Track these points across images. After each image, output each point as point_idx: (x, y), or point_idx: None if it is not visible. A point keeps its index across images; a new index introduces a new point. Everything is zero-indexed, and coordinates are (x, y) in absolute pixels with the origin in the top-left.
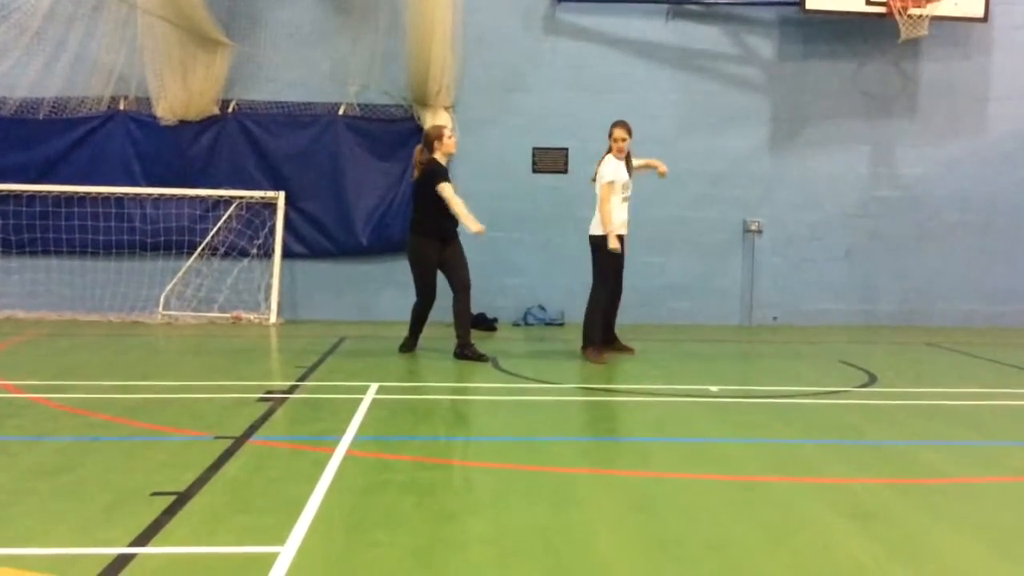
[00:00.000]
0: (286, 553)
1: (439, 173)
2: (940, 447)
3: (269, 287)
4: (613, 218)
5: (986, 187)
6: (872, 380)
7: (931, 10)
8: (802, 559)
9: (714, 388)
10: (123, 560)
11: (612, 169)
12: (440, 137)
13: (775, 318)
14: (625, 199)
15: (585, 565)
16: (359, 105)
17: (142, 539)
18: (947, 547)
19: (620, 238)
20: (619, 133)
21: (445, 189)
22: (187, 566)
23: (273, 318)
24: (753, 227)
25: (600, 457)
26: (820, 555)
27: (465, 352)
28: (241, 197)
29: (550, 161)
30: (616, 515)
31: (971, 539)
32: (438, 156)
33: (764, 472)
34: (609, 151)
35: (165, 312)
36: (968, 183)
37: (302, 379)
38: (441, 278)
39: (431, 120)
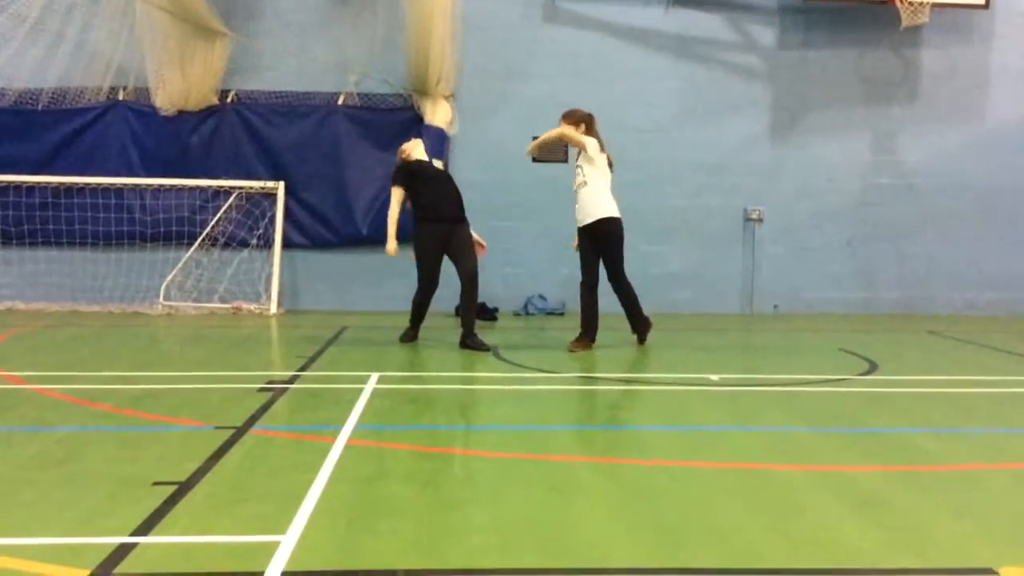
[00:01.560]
0: (287, 542)
1: (394, 176)
2: (941, 435)
3: (269, 277)
4: None
5: (987, 174)
6: (873, 368)
7: None
8: (802, 546)
9: (715, 377)
10: (125, 549)
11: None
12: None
13: (776, 307)
14: (576, 191)
15: (586, 552)
16: (358, 94)
17: (143, 528)
18: (948, 535)
19: (582, 231)
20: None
21: (393, 193)
22: (188, 555)
23: (273, 308)
24: (754, 216)
25: (601, 445)
26: (822, 542)
27: (467, 342)
28: (241, 187)
29: (549, 150)
30: (616, 503)
31: (972, 527)
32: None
33: (765, 460)
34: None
35: (165, 303)
36: (969, 170)
37: (303, 369)
38: (448, 269)
39: (431, 109)
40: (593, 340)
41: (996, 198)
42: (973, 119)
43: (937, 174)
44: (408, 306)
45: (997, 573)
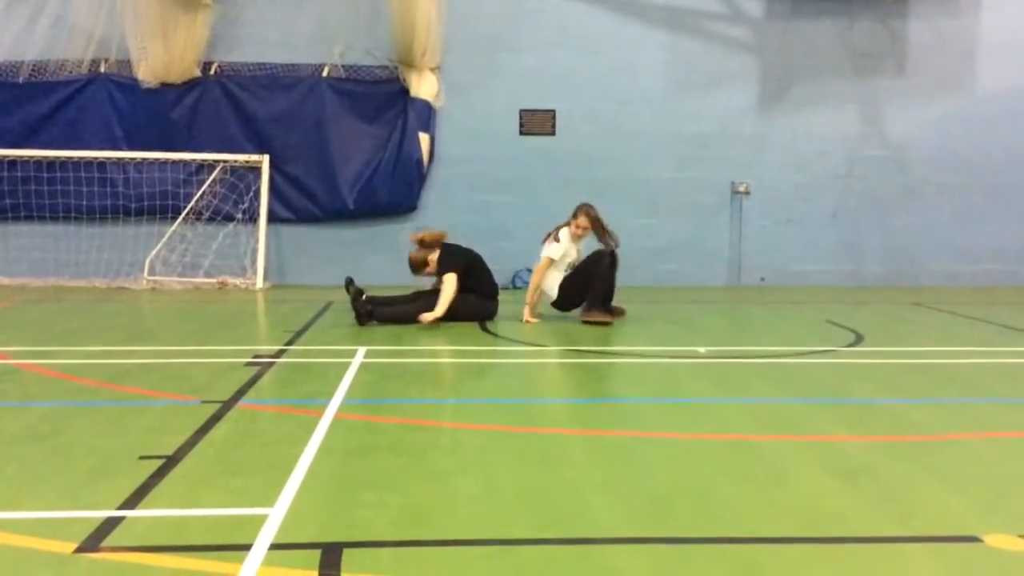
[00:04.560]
0: (275, 514)
1: (450, 261)
2: (926, 405)
3: (255, 251)
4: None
5: (973, 146)
6: (858, 339)
7: None
8: (789, 515)
9: (702, 349)
10: (112, 523)
11: (562, 248)
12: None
13: (763, 279)
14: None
15: (574, 523)
16: (343, 66)
17: (130, 502)
18: (933, 502)
19: None
20: (585, 222)
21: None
22: (176, 528)
23: (259, 283)
24: (741, 188)
25: (589, 418)
26: (807, 511)
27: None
28: (225, 161)
29: (537, 123)
30: (604, 474)
31: (957, 495)
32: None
33: (752, 431)
34: (566, 225)
35: (150, 277)
36: (955, 142)
37: (290, 343)
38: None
39: (417, 82)
40: (610, 312)
41: (982, 170)
42: (961, 91)
43: (924, 146)
44: (395, 279)
45: (982, 540)
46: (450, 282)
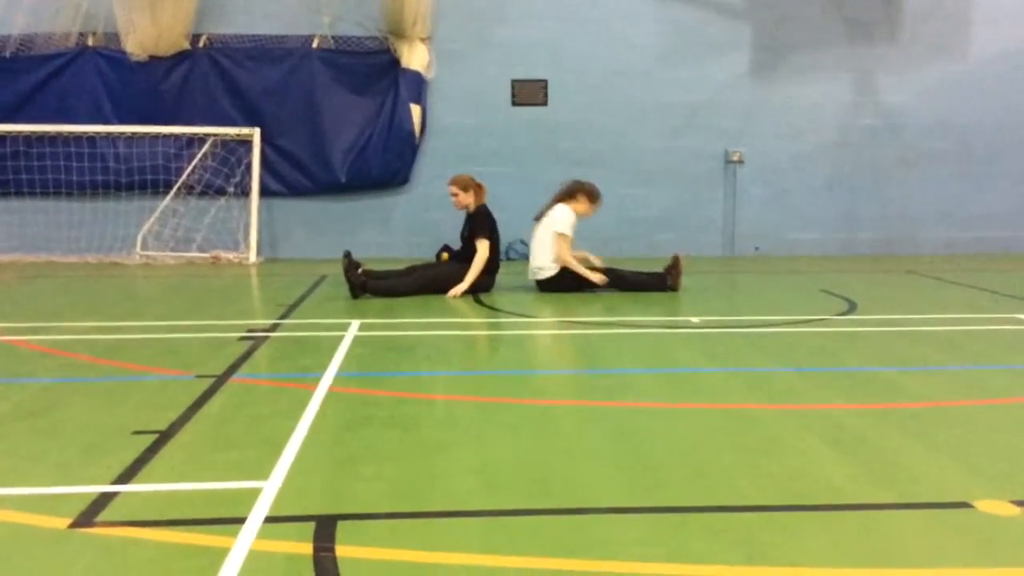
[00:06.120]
0: (270, 488)
1: (486, 223)
2: (919, 372)
3: (247, 226)
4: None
5: (967, 113)
6: (852, 308)
7: None
8: (782, 482)
9: (696, 319)
10: (106, 498)
11: (572, 222)
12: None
13: (757, 248)
14: None
15: (568, 492)
16: (333, 37)
17: (124, 477)
18: (925, 469)
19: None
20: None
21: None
22: (170, 502)
23: (252, 257)
24: (735, 157)
25: (582, 388)
26: (799, 478)
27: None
28: (215, 134)
29: (529, 93)
30: (598, 444)
31: (949, 461)
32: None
33: (745, 400)
34: (571, 201)
35: (143, 252)
36: (950, 109)
37: (283, 317)
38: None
39: (407, 52)
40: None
41: (977, 137)
42: (955, 58)
43: (918, 114)
44: (388, 252)
45: (973, 506)
46: (483, 249)
